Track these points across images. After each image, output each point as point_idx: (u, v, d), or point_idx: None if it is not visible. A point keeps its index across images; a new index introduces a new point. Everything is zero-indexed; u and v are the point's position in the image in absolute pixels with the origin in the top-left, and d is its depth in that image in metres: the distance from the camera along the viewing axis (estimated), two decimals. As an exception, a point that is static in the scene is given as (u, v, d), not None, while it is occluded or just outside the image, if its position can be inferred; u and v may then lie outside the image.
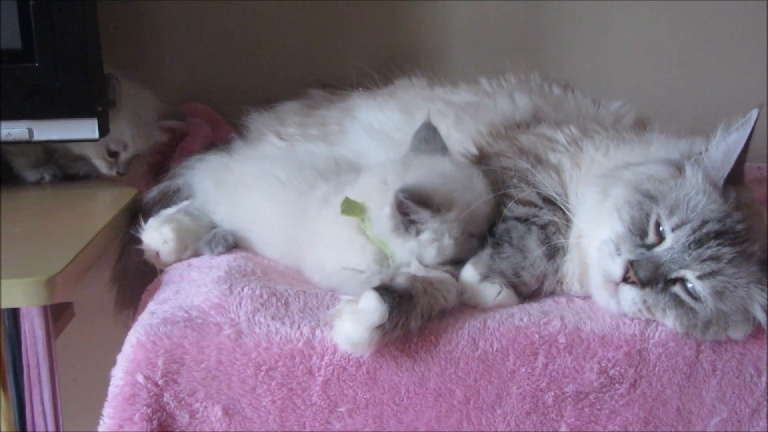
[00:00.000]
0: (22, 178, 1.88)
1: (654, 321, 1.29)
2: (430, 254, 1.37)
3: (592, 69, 2.22)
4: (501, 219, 1.40)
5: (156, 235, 1.54)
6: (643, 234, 1.29)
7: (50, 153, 1.92)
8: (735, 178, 1.31)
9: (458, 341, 1.26)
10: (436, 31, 2.20)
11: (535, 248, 1.37)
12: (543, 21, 2.21)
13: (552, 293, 1.41)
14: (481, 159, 1.53)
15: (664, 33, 2.24)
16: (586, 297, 1.38)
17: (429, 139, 1.48)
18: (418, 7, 2.18)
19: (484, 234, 1.40)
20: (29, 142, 1.64)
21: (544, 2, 2.20)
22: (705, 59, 2.25)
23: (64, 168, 1.93)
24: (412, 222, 1.35)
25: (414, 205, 1.32)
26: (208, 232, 1.57)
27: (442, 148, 1.47)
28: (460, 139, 1.61)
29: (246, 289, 1.33)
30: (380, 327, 1.19)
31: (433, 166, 1.41)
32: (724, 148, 1.31)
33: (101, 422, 1.23)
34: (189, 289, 1.37)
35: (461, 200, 1.36)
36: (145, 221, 1.57)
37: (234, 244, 1.55)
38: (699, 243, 1.25)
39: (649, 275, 1.26)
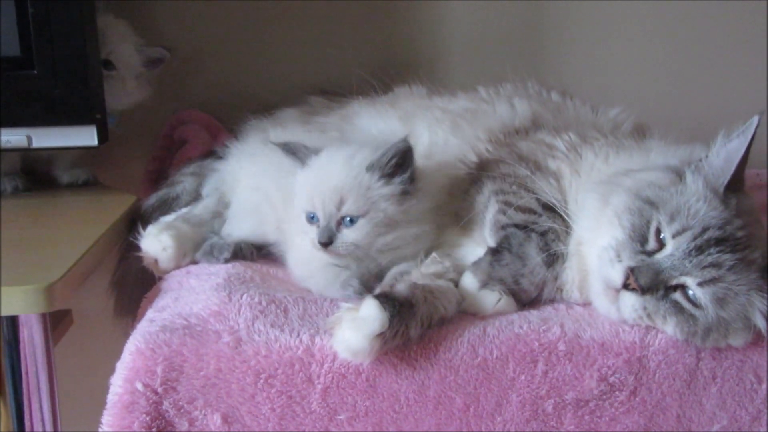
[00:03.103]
0: None
1: (654, 328, 1.29)
2: None
3: (591, 76, 2.22)
4: (501, 226, 1.40)
5: (155, 242, 1.54)
6: (643, 240, 1.29)
7: (48, 162, 1.93)
8: (735, 184, 1.31)
9: (458, 349, 1.26)
10: (435, 39, 2.20)
11: (534, 255, 1.37)
12: (542, 28, 2.22)
13: (552, 300, 1.40)
14: (481, 166, 1.53)
15: (663, 40, 2.24)
16: (586, 304, 1.38)
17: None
18: (417, 14, 2.18)
19: None
20: (28, 149, 1.64)
21: (543, 10, 2.20)
22: (703, 66, 2.25)
23: (61, 177, 1.93)
24: None
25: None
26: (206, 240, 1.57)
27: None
28: (458, 145, 1.61)
29: (245, 296, 1.33)
30: (380, 335, 1.19)
31: None
32: (724, 154, 1.31)
33: (100, 430, 1.23)
34: (188, 296, 1.37)
35: None
36: (144, 228, 1.57)
37: (234, 254, 1.55)
38: (700, 250, 1.24)
39: (649, 282, 1.26)
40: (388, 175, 1.39)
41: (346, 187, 1.37)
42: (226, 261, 1.52)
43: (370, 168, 1.38)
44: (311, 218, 1.40)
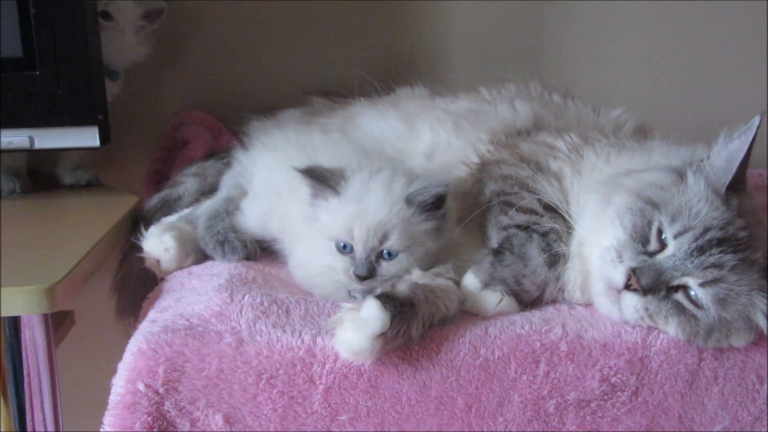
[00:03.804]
0: None
1: (656, 329, 1.29)
2: None
3: (593, 77, 2.22)
4: (502, 227, 1.40)
5: (157, 243, 1.54)
6: (645, 241, 1.29)
7: (51, 163, 1.93)
8: (737, 185, 1.30)
9: (459, 349, 1.26)
10: (437, 39, 2.20)
11: (536, 256, 1.37)
12: (544, 29, 2.22)
13: (553, 301, 1.40)
14: (482, 167, 1.53)
15: (664, 40, 2.24)
16: (588, 304, 1.38)
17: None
18: (419, 15, 2.18)
19: None
20: (30, 150, 1.64)
21: (545, 11, 2.20)
22: (704, 66, 2.25)
23: (63, 178, 1.93)
24: None
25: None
26: None
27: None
28: (459, 146, 1.61)
29: (247, 297, 1.33)
30: (382, 335, 1.19)
31: None
32: (726, 155, 1.31)
33: (101, 430, 1.23)
34: (190, 297, 1.37)
35: None
36: (146, 229, 1.57)
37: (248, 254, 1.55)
38: (701, 250, 1.24)
39: (651, 282, 1.26)
40: (425, 210, 1.37)
41: (390, 223, 1.34)
42: (240, 259, 1.52)
43: (407, 201, 1.36)
44: (343, 247, 1.37)
